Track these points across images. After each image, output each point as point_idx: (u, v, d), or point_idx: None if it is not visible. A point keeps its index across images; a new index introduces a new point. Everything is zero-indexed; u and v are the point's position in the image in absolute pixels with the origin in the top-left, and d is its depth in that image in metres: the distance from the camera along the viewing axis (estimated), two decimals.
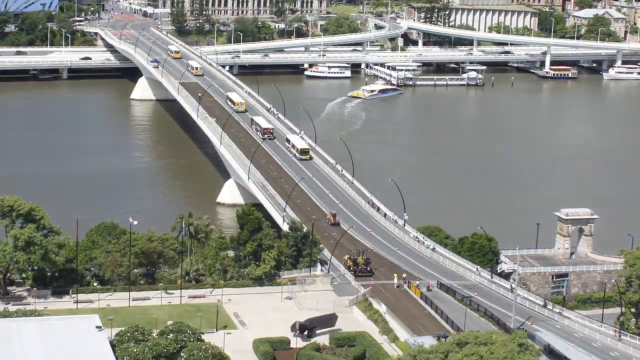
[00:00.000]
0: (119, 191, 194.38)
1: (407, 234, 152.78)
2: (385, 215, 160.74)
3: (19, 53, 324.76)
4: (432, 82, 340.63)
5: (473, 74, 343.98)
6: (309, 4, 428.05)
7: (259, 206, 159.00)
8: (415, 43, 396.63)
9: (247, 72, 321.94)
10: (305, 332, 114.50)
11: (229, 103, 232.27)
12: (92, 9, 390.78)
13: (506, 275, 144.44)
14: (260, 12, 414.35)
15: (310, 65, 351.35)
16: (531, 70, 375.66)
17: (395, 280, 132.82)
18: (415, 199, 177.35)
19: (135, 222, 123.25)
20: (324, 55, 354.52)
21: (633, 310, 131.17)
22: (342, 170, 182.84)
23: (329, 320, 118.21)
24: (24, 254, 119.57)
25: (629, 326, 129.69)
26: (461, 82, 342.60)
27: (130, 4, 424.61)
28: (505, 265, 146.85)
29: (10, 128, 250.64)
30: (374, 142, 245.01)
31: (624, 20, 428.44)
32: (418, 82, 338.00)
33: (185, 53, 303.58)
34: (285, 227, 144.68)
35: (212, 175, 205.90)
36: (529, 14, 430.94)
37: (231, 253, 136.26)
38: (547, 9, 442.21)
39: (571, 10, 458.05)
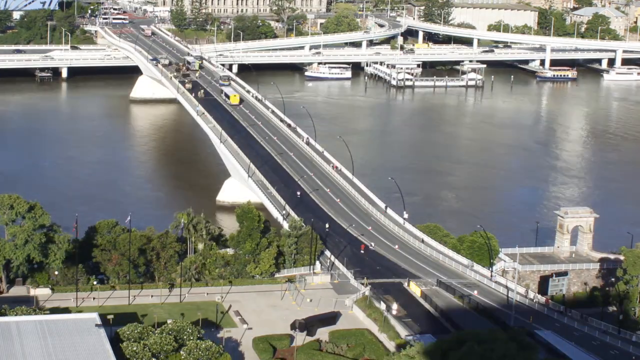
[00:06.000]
0: (118, 189, 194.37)
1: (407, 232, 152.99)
2: (386, 207, 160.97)
3: (17, 51, 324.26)
4: (432, 83, 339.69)
5: (472, 75, 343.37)
6: (309, 2, 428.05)
7: (259, 205, 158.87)
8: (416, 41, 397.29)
9: (246, 70, 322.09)
10: (305, 330, 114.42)
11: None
12: (92, 7, 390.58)
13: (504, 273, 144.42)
14: (259, 10, 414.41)
15: (310, 65, 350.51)
16: (531, 70, 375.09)
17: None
18: (416, 198, 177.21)
19: (129, 218, 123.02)
20: (319, 53, 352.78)
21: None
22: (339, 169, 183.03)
23: (328, 318, 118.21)
24: (23, 252, 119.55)
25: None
26: (461, 83, 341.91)
27: (129, 2, 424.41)
28: (505, 264, 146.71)
29: (10, 127, 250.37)
30: (375, 141, 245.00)
31: (623, 18, 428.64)
32: (417, 84, 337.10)
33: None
34: (285, 226, 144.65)
35: (211, 174, 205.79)
36: (529, 12, 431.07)
37: (231, 251, 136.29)
38: (547, 8, 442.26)
39: (570, 8, 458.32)
